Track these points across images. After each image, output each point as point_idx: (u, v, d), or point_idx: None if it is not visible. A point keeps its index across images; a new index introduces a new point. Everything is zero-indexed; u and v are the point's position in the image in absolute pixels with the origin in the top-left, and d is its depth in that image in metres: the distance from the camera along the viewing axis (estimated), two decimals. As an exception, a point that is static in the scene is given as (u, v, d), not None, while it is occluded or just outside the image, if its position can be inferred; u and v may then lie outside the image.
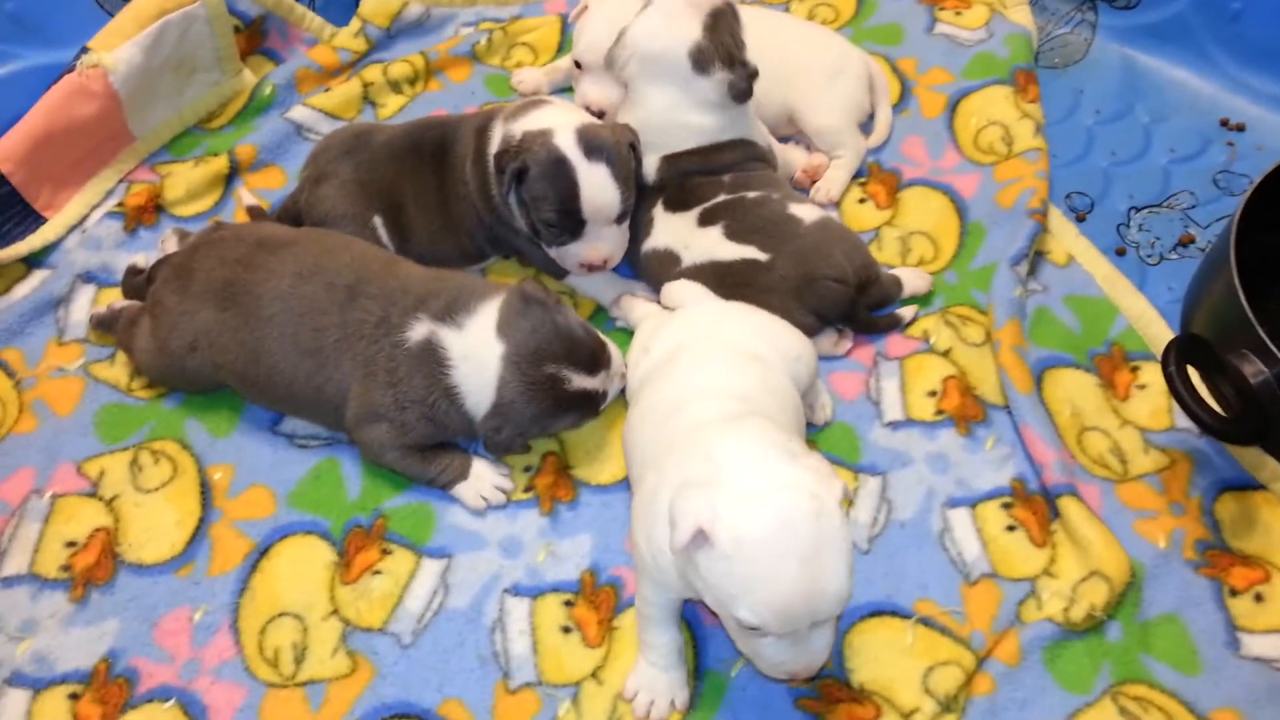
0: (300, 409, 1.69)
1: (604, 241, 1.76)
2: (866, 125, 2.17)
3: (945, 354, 1.82)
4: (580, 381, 1.56)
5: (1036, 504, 1.64)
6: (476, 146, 1.82)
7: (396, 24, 2.36)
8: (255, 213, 1.97)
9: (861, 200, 2.07)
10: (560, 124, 1.72)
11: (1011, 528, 1.62)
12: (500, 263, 1.97)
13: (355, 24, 2.34)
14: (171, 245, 1.88)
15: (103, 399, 1.78)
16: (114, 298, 1.88)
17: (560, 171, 1.68)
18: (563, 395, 1.56)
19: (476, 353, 1.56)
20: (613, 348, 1.65)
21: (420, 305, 1.59)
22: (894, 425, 1.74)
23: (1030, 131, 2.12)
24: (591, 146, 1.70)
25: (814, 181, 2.07)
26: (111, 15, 2.06)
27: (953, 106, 2.20)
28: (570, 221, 1.72)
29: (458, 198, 1.85)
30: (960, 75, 2.26)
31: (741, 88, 1.79)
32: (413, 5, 2.37)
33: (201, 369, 1.68)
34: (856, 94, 2.13)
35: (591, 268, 1.78)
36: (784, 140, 2.11)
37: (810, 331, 1.74)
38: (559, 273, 1.88)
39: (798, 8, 2.45)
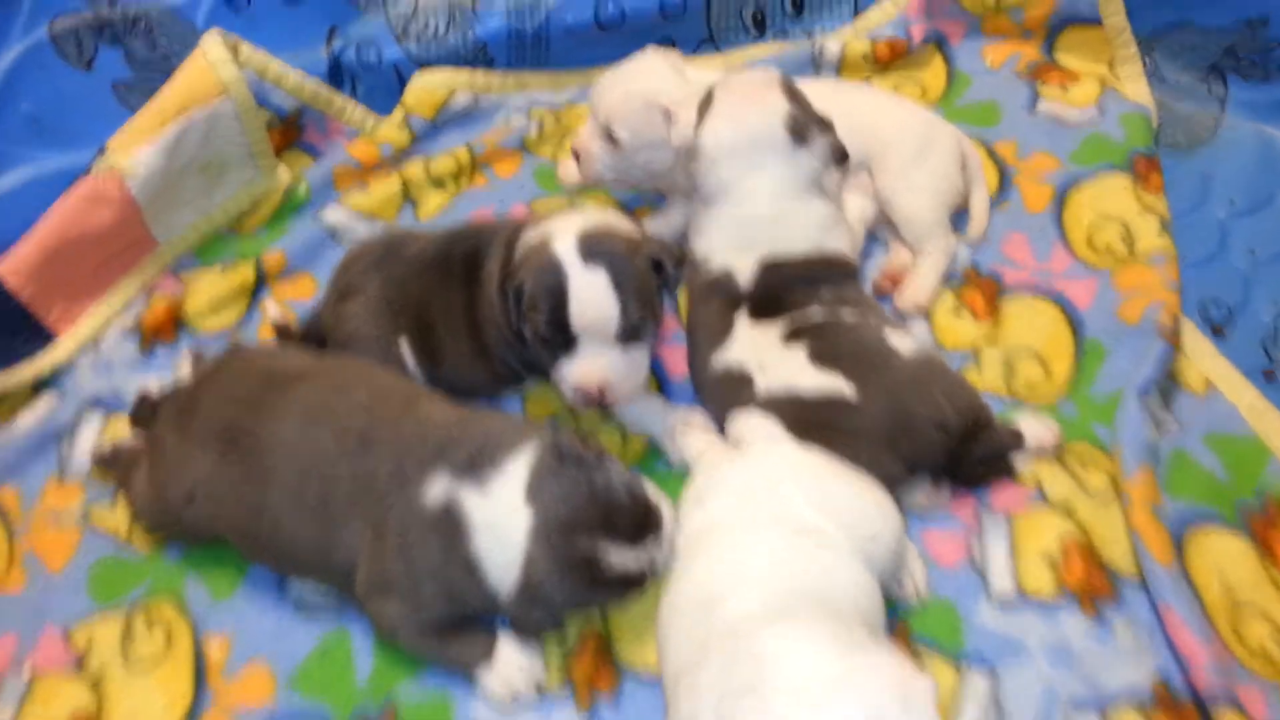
0: (307, 573, 1.44)
1: (599, 362, 1.46)
2: (959, 221, 1.84)
3: (1063, 508, 1.47)
4: (622, 558, 1.26)
5: (1186, 714, 1.28)
6: (504, 260, 1.57)
7: (442, 114, 2.13)
8: (281, 330, 1.73)
9: (956, 310, 1.73)
10: (567, 229, 1.48)
11: (1156, 744, 1.26)
12: (543, 387, 1.68)
13: (398, 114, 2.11)
14: (186, 369, 1.66)
15: (99, 552, 1.55)
16: (123, 427, 1.67)
17: (550, 278, 1.44)
18: (600, 575, 1.26)
19: (501, 521, 1.27)
20: (666, 508, 1.34)
21: (440, 456, 1.32)
22: (1004, 602, 1.39)
23: (1154, 229, 1.76)
24: (592, 251, 1.44)
25: (895, 284, 1.75)
26: (135, 112, 1.84)
27: (1061, 198, 1.86)
28: (560, 335, 1.46)
29: (488, 318, 1.59)
30: (1069, 161, 1.91)
31: (840, 147, 1.58)
32: (460, 94, 2.13)
33: (199, 522, 1.45)
34: (948, 176, 1.81)
35: (587, 398, 1.48)
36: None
37: (900, 482, 1.43)
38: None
39: (880, 83, 2.13)
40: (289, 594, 1.48)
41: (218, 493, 1.41)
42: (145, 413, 1.61)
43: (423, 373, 1.63)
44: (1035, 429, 1.52)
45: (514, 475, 1.29)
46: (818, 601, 1.12)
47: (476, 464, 1.31)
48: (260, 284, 1.87)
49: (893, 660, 0.95)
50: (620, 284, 1.44)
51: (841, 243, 1.62)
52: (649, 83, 1.76)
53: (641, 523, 1.29)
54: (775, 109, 1.57)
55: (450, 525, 1.29)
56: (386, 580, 1.33)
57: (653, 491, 1.34)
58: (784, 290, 1.56)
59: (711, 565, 1.20)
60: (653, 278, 1.49)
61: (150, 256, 1.89)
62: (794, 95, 1.59)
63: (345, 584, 1.39)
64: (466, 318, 1.60)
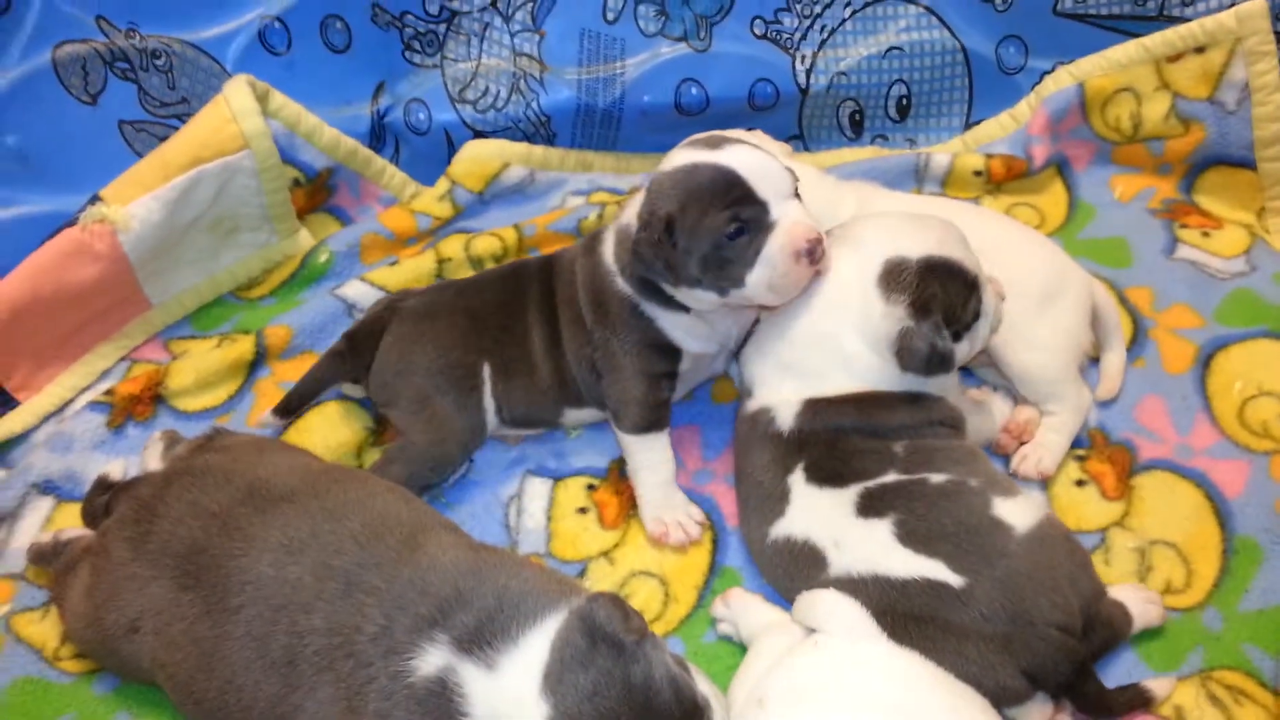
0: (259, 746, 1.21)
1: (800, 214, 1.41)
2: (1090, 375, 1.65)
3: (1210, 752, 1.24)
4: None
5: None
6: (589, 263, 1.56)
7: (492, 188, 2.00)
8: (284, 412, 1.58)
9: (1080, 482, 1.53)
10: (665, 161, 1.47)
11: None
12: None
13: (443, 184, 1.99)
14: (154, 456, 1.51)
15: (19, 669, 1.38)
16: (73, 517, 1.50)
17: (701, 176, 1.40)
18: None
19: (508, 714, 1.07)
20: (716, 709, 1.13)
21: (440, 618, 1.12)
22: None
23: (1324, 412, 1.55)
24: (713, 141, 1.45)
25: (1021, 443, 1.56)
26: (141, 157, 1.71)
27: (1205, 361, 1.67)
28: (751, 211, 1.39)
29: (570, 323, 1.57)
30: (1213, 319, 1.74)
31: (916, 349, 1.36)
32: (514, 168, 2.01)
33: (139, 659, 1.26)
34: (1076, 327, 1.62)
35: (811, 253, 1.40)
36: (967, 376, 1.62)
37: (1016, 699, 1.24)
38: (635, 422, 1.53)
39: (991, 204, 1.97)
40: (235, 756, 1.26)
41: (167, 629, 1.23)
42: (100, 506, 1.44)
43: (498, 401, 1.58)
44: (1138, 603, 1.34)
45: (531, 655, 1.09)
46: None
47: (486, 633, 1.11)
48: (259, 361, 1.71)
49: None
50: (760, 148, 1.43)
51: (913, 384, 1.42)
52: None
53: None
54: (892, 247, 1.41)
55: (443, 708, 1.09)
56: (356, 768, 1.11)
57: (703, 686, 1.14)
58: (841, 443, 1.38)
59: None
60: None
61: (138, 320, 1.76)
62: (932, 272, 1.39)
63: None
64: (547, 339, 1.58)
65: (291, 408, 1.58)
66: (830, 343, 1.42)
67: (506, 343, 1.57)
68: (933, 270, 1.38)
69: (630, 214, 1.48)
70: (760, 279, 1.39)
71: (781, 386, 1.43)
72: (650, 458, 1.53)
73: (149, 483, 1.37)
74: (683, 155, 1.43)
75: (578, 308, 1.55)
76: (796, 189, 1.43)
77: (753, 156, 1.41)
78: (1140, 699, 1.29)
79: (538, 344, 1.57)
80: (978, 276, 1.42)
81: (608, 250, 1.53)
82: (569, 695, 1.06)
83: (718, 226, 1.37)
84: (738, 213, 1.37)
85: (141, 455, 1.53)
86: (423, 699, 1.09)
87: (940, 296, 1.37)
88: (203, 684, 1.19)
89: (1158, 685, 1.30)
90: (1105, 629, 1.30)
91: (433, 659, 1.11)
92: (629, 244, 1.44)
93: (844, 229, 1.47)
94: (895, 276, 1.38)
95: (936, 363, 1.36)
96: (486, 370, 1.56)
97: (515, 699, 1.07)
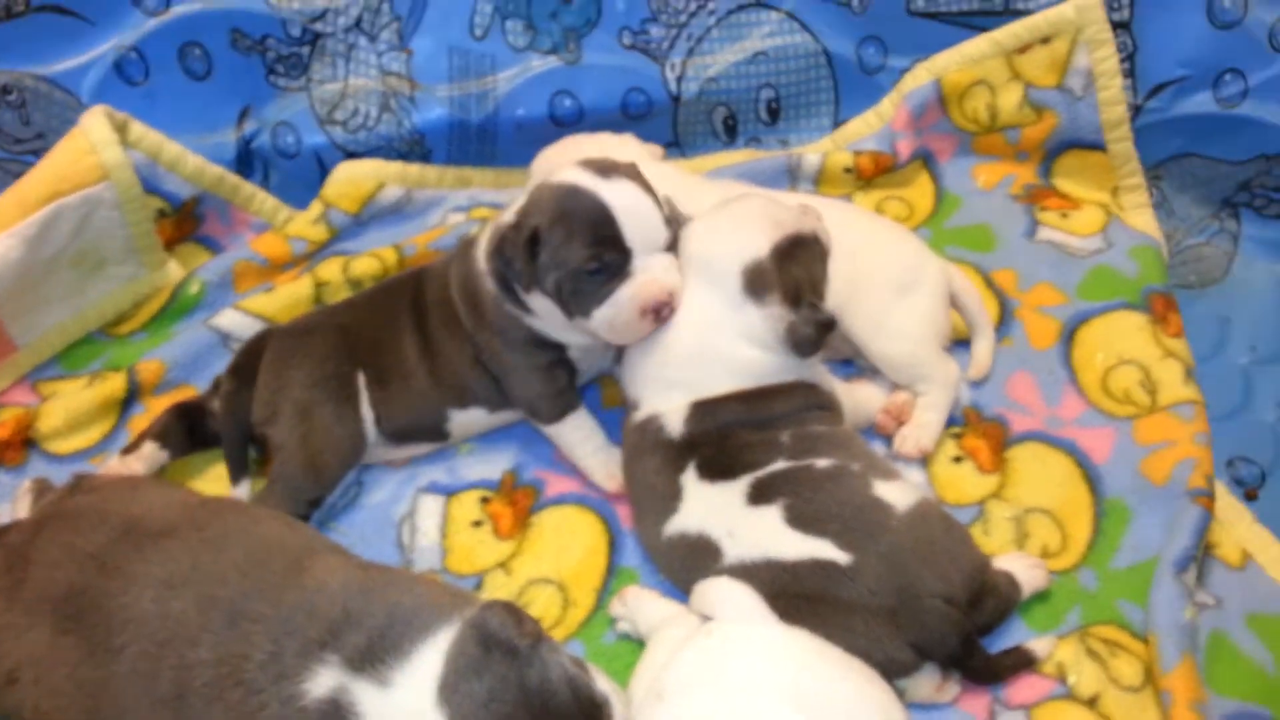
0: (151, 783, 1.20)
1: (657, 270, 1.45)
2: (959, 357, 1.73)
3: (1091, 703, 1.33)
4: None
5: None
6: (463, 264, 1.59)
7: (368, 209, 2.00)
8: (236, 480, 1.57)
9: (957, 459, 1.61)
10: (564, 169, 1.49)
11: None
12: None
13: (316, 208, 1.98)
14: (25, 507, 1.47)
15: None
16: (-58, 570, 1.42)
17: (578, 201, 1.43)
18: None
19: None
20: (616, 705, 1.16)
21: (330, 640, 1.13)
22: (1026, 823, 1.22)
23: (1179, 377, 1.67)
24: (604, 168, 1.47)
25: (900, 424, 1.63)
26: None
27: (1069, 335, 1.77)
28: (612, 255, 1.43)
29: (443, 324, 1.60)
30: (1075, 295, 1.84)
31: (804, 335, 1.41)
32: (390, 187, 2.01)
33: (21, 709, 1.22)
34: (933, 313, 1.70)
35: (658, 311, 1.45)
36: (845, 366, 1.69)
37: (905, 670, 1.29)
38: (550, 413, 1.58)
39: (862, 199, 2.05)
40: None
41: (48, 676, 1.20)
42: (-28, 553, 1.38)
43: (376, 411, 1.59)
44: (1026, 571, 1.42)
45: (425, 668, 1.10)
46: None
47: (377, 651, 1.12)
48: (132, 398, 1.69)
49: None
50: (650, 191, 1.46)
51: (796, 372, 1.48)
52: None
53: None
54: (747, 249, 1.44)
55: None
56: (251, 798, 1.11)
57: (602, 684, 1.16)
58: (730, 440, 1.42)
59: None
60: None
61: (5, 363, 1.72)
62: (794, 255, 1.45)
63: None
64: (419, 342, 1.60)
65: (239, 471, 1.57)
66: (715, 354, 1.45)
67: (379, 352, 1.59)
68: (784, 255, 1.43)
69: (508, 216, 1.50)
70: (604, 318, 1.44)
71: (668, 395, 1.46)
72: (577, 435, 1.58)
73: (19, 529, 1.33)
74: (573, 174, 1.45)
75: (451, 309, 1.58)
76: (672, 242, 1.47)
77: (635, 201, 1.44)
78: (1024, 660, 1.36)
79: (410, 350, 1.59)
80: (813, 229, 1.49)
81: (480, 251, 1.55)
82: (465, 703, 1.08)
83: (578, 259, 1.41)
84: (600, 253, 1.41)
85: (12, 504, 1.49)
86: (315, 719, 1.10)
87: (804, 275, 1.43)
88: (90, 728, 1.18)
89: (1039, 645, 1.37)
90: (994, 597, 1.36)
91: (324, 680, 1.11)
92: (497, 240, 1.47)
93: (682, 255, 1.49)
94: (757, 280, 1.42)
95: (826, 332, 1.41)
96: (361, 380, 1.57)
97: (411, 713, 1.08)
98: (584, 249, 1.41)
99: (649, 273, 1.44)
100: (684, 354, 1.46)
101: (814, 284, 1.45)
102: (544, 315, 1.50)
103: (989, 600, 1.36)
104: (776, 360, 1.44)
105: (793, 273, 1.43)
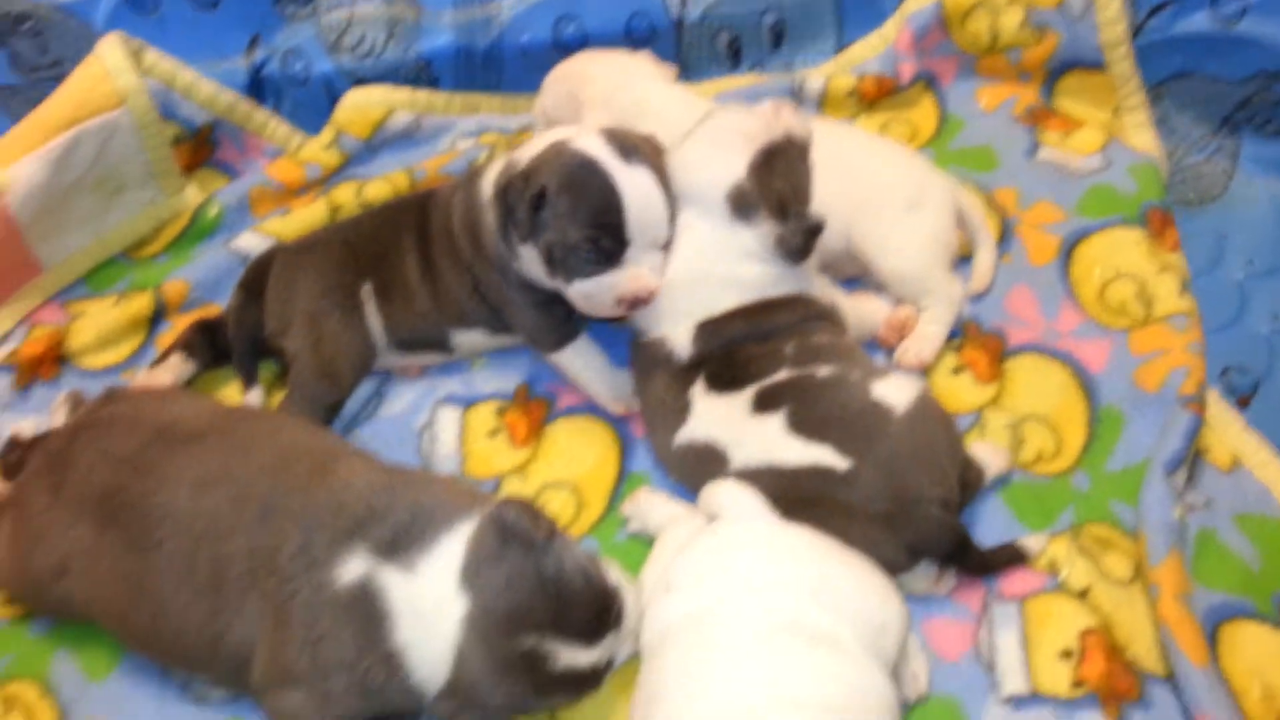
0: (194, 665, 1.29)
1: (646, 269, 1.46)
2: (962, 273, 1.77)
3: (1081, 595, 1.39)
4: (573, 656, 1.15)
5: (1227, 838, 1.18)
6: (467, 196, 1.59)
7: (379, 134, 2.03)
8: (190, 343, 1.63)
9: (956, 370, 1.66)
10: (586, 131, 1.47)
11: None
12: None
13: (328, 133, 2.01)
14: (61, 418, 1.53)
15: None
16: (-14, 478, 1.52)
17: (592, 178, 1.41)
18: (546, 676, 1.15)
19: (429, 610, 1.15)
20: (627, 594, 1.24)
21: (357, 531, 1.19)
22: (1016, 702, 1.30)
23: (1174, 289, 1.71)
24: (627, 147, 1.44)
25: (901, 338, 1.68)
26: (18, 121, 1.72)
27: (1068, 251, 1.81)
28: (608, 242, 1.42)
29: (445, 253, 1.61)
30: (1075, 212, 1.87)
31: (794, 245, 1.45)
32: (400, 113, 2.04)
33: (70, 599, 1.31)
34: (941, 230, 1.74)
35: (634, 303, 1.47)
36: (850, 284, 1.73)
37: (900, 570, 1.34)
38: (550, 343, 1.61)
39: (866, 122, 2.08)
40: (175, 676, 1.34)
41: (94, 568, 1.28)
42: (16, 462, 1.46)
43: (381, 322, 1.63)
44: (988, 456, 1.48)
45: (447, 556, 1.18)
46: None
47: (402, 542, 1.19)
48: (159, 317, 1.75)
49: None
50: (663, 183, 1.44)
51: (796, 284, 1.52)
52: (600, 74, 1.77)
53: (599, 617, 1.18)
54: (726, 174, 1.47)
55: (367, 612, 1.17)
56: (289, 672, 1.19)
57: (614, 575, 1.23)
58: (737, 353, 1.47)
59: (729, 681, 1.08)
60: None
61: (32, 285, 1.77)
62: (771, 166, 1.48)
63: (238, 681, 1.25)
64: (421, 264, 1.61)
65: (249, 377, 1.63)
66: (716, 277, 1.49)
67: (382, 267, 1.62)
68: (763, 170, 1.46)
69: (523, 154, 1.50)
70: (581, 291, 1.46)
71: (674, 320, 1.50)
72: (578, 363, 1.60)
73: (57, 436, 1.41)
74: (596, 144, 1.42)
75: (452, 239, 1.60)
76: (669, 240, 1.48)
77: (647, 194, 1.43)
78: (1016, 556, 1.42)
79: (412, 270, 1.62)
80: (785, 131, 1.51)
81: (487, 185, 1.55)
82: (485, 589, 1.15)
83: (575, 236, 1.42)
84: (597, 238, 1.42)
85: (49, 416, 1.55)
86: (346, 604, 1.17)
87: (785, 184, 1.47)
88: (135, 615, 1.25)
89: (1032, 542, 1.42)
90: (968, 488, 1.43)
91: (353, 568, 1.18)
92: (505, 183, 1.47)
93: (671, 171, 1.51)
94: (741, 202, 1.46)
95: (814, 238, 1.45)
96: (367, 289, 1.61)
97: (435, 597, 1.16)
98: (583, 228, 1.42)
99: (638, 267, 1.45)
100: (687, 281, 1.49)
101: (797, 190, 1.48)
102: (527, 263, 1.50)
103: (967, 491, 1.42)
104: (774, 271, 1.48)
105: (774, 186, 1.46)
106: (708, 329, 1.48)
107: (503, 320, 1.63)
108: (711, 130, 1.52)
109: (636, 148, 1.45)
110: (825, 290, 1.57)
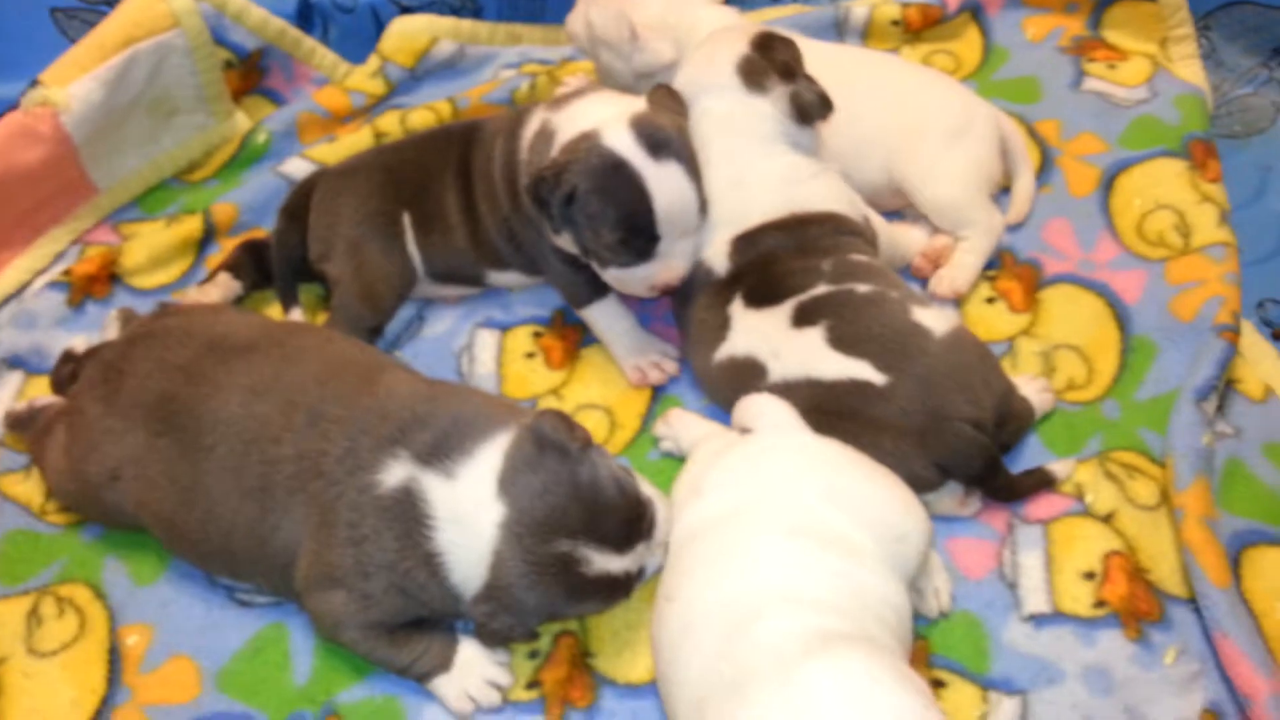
0: (240, 569, 1.35)
1: (678, 257, 1.48)
2: (1000, 200, 1.77)
3: (1106, 519, 1.41)
4: (605, 563, 1.19)
5: (1241, 754, 1.21)
6: (507, 149, 1.59)
7: (423, 63, 2.05)
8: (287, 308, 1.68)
9: (990, 300, 1.67)
10: (609, 118, 1.45)
11: (1206, 785, 1.19)
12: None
13: (373, 62, 2.04)
14: (113, 332, 1.57)
15: (8, 524, 1.47)
16: (43, 389, 1.59)
17: (621, 181, 1.42)
18: (579, 581, 1.19)
19: (468, 514, 1.19)
20: (659, 506, 1.27)
21: (400, 438, 1.24)
22: (1037, 620, 1.33)
23: (1213, 220, 1.70)
24: (655, 141, 1.43)
25: (936, 268, 1.69)
26: (74, 42, 1.76)
27: (1108, 183, 1.80)
28: (640, 242, 1.45)
29: (486, 207, 1.63)
30: (1117, 144, 1.86)
31: (809, 100, 1.54)
32: (443, 42, 2.06)
33: (122, 504, 1.36)
34: (985, 160, 1.74)
35: (665, 291, 1.50)
36: (891, 216, 1.73)
37: (928, 487, 1.36)
38: (580, 299, 1.62)
39: (909, 54, 2.07)
40: (221, 582, 1.40)
41: (146, 473, 1.33)
42: (68, 374, 1.52)
43: (420, 253, 1.66)
44: (1036, 394, 1.50)
45: (485, 463, 1.22)
46: (856, 624, 1.05)
47: (443, 449, 1.23)
48: (208, 239, 1.79)
49: None
50: (692, 172, 1.45)
51: (826, 198, 1.54)
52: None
53: (631, 525, 1.22)
54: (731, 51, 1.55)
55: (409, 514, 1.21)
56: (332, 572, 1.24)
57: (646, 488, 1.27)
58: (773, 267, 1.49)
59: (736, 575, 1.12)
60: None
61: (87, 205, 1.82)
62: (769, 46, 1.56)
63: (283, 584, 1.31)
64: (462, 203, 1.63)
65: (290, 299, 1.68)
66: (748, 171, 1.52)
67: (423, 199, 1.65)
68: (763, 46, 1.57)
69: (560, 122, 1.50)
70: (613, 278, 1.50)
71: (710, 238, 1.52)
72: (603, 323, 1.62)
73: (112, 347, 1.46)
74: (624, 141, 1.41)
75: (492, 185, 1.61)
76: (700, 227, 1.50)
77: (677, 191, 1.43)
78: (1044, 480, 1.44)
79: (453, 206, 1.64)
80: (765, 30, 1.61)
81: (525, 141, 1.56)
82: (522, 494, 1.19)
83: (607, 238, 1.44)
84: (629, 237, 1.44)
85: (101, 332, 1.61)
86: (389, 507, 1.22)
87: (787, 56, 1.56)
88: (185, 518, 1.30)
89: (1059, 467, 1.45)
90: (1016, 421, 1.45)
91: (396, 472, 1.23)
92: (539, 160, 1.48)
93: (682, 84, 1.58)
94: (751, 70, 1.54)
95: (826, 103, 1.54)
96: (406, 219, 1.64)
97: (474, 501, 1.20)
98: (615, 230, 1.43)
99: (669, 258, 1.47)
100: (721, 188, 1.51)
101: (799, 63, 1.57)
102: (561, 241, 1.52)
103: (1011, 423, 1.43)
104: (802, 162, 1.54)
105: (777, 56, 1.55)
106: (743, 242, 1.50)
107: (538, 266, 1.65)
108: (707, 40, 1.62)
109: (666, 141, 1.44)
110: (857, 208, 1.58)
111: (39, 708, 1.29)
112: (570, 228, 1.46)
